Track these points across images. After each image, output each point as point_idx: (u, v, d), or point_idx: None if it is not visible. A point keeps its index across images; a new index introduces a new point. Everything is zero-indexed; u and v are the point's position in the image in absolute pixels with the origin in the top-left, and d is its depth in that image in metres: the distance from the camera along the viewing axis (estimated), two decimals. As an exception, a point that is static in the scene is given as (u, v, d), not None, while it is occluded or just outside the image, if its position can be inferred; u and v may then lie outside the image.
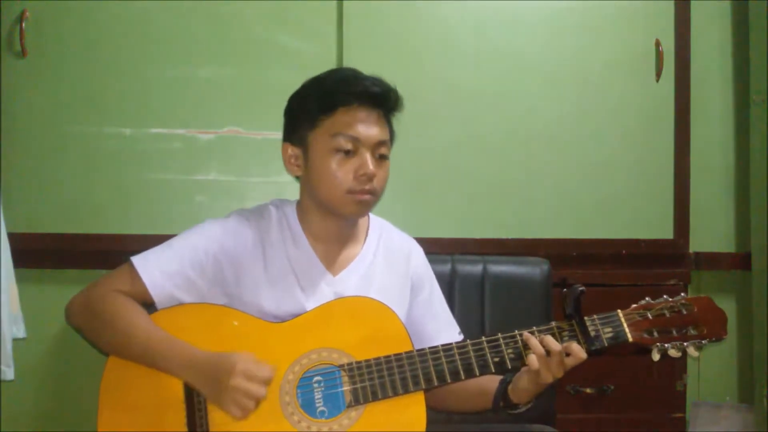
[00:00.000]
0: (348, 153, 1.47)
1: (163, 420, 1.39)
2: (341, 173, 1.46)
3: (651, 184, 2.20)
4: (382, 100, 1.51)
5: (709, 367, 2.28)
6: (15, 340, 1.73)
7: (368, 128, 1.48)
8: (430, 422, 1.41)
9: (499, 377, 1.50)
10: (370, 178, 1.47)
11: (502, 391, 1.48)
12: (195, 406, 1.40)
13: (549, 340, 1.39)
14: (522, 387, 1.44)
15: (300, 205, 1.58)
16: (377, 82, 1.50)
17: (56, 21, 2.05)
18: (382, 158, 1.51)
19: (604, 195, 2.19)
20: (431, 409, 1.45)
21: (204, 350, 1.40)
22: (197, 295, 1.49)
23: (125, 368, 1.43)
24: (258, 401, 1.34)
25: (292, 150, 1.54)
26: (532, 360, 1.39)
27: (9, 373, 1.69)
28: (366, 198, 1.48)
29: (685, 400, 2.17)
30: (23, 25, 2.02)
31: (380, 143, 1.49)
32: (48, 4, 2.05)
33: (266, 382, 1.35)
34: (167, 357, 1.39)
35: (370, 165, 1.46)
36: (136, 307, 1.46)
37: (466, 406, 1.59)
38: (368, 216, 1.63)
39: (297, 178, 1.57)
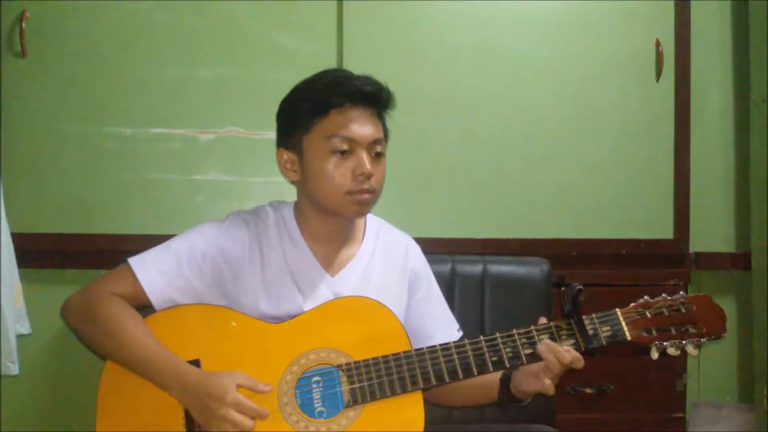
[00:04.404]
0: (344, 154, 1.46)
1: (162, 422, 1.39)
2: (339, 175, 1.45)
3: (651, 184, 2.20)
4: (375, 99, 1.50)
5: (709, 367, 2.28)
6: (18, 337, 1.73)
7: (362, 127, 1.47)
8: (430, 422, 1.41)
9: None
10: (368, 177, 1.46)
11: (506, 383, 1.48)
12: None
13: (560, 353, 1.39)
14: (525, 390, 1.44)
15: (297, 207, 1.57)
16: (368, 80, 1.50)
17: (56, 21, 2.06)
18: (378, 156, 1.50)
19: (604, 195, 2.19)
20: (434, 405, 1.44)
21: (202, 353, 1.41)
22: (195, 296, 1.49)
23: (123, 370, 1.43)
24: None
25: (287, 155, 1.53)
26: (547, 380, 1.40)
27: (14, 369, 1.71)
28: (366, 197, 1.47)
29: (685, 400, 2.17)
30: (23, 25, 2.02)
31: (375, 141, 1.49)
32: (48, 4, 2.05)
33: (254, 417, 1.35)
34: (159, 372, 1.39)
35: (367, 164, 1.46)
36: (132, 315, 1.45)
37: (469, 401, 1.59)
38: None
39: (293, 182, 1.56)
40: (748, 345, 2.26)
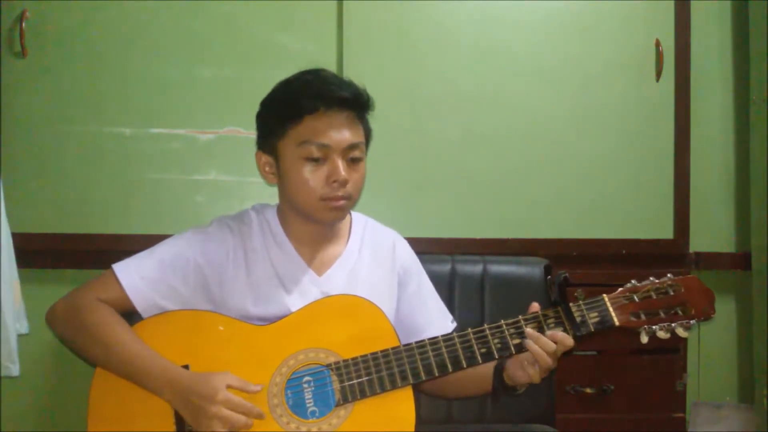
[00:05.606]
0: (318, 161, 1.45)
1: (153, 425, 1.39)
2: (313, 181, 1.45)
3: (651, 184, 2.20)
4: (351, 103, 1.48)
5: (709, 367, 2.28)
6: (18, 337, 1.73)
7: (338, 133, 1.45)
8: (429, 421, 1.41)
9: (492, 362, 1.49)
10: (343, 184, 1.45)
11: (498, 376, 1.48)
12: None
13: (544, 342, 1.39)
14: (517, 380, 1.45)
15: (280, 210, 1.58)
16: (345, 84, 1.48)
17: (56, 21, 2.05)
18: (355, 161, 1.48)
19: (604, 195, 2.19)
20: (433, 398, 1.44)
21: (190, 359, 1.41)
22: (180, 302, 1.49)
23: (114, 376, 1.43)
24: (238, 429, 1.34)
25: (265, 158, 1.53)
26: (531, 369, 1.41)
27: (14, 370, 1.71)
28: (341, 204, 1.46)
29: (685, 400, 2.17)
30: (23, 25, 2.02)
31: (351, 146, 1.47)
32: (48, 4, 2.05)
33: (246, 413, 1.35)
34: (148, 375, 1.39)
35: (342, 171, 1.44)
36: (119, 321, 1.45)
37: (465, 393, 1.59)
38: (350, 213, 1.62)
39: (273, 185, 1.56)
40: (748, 345, 2.26)
